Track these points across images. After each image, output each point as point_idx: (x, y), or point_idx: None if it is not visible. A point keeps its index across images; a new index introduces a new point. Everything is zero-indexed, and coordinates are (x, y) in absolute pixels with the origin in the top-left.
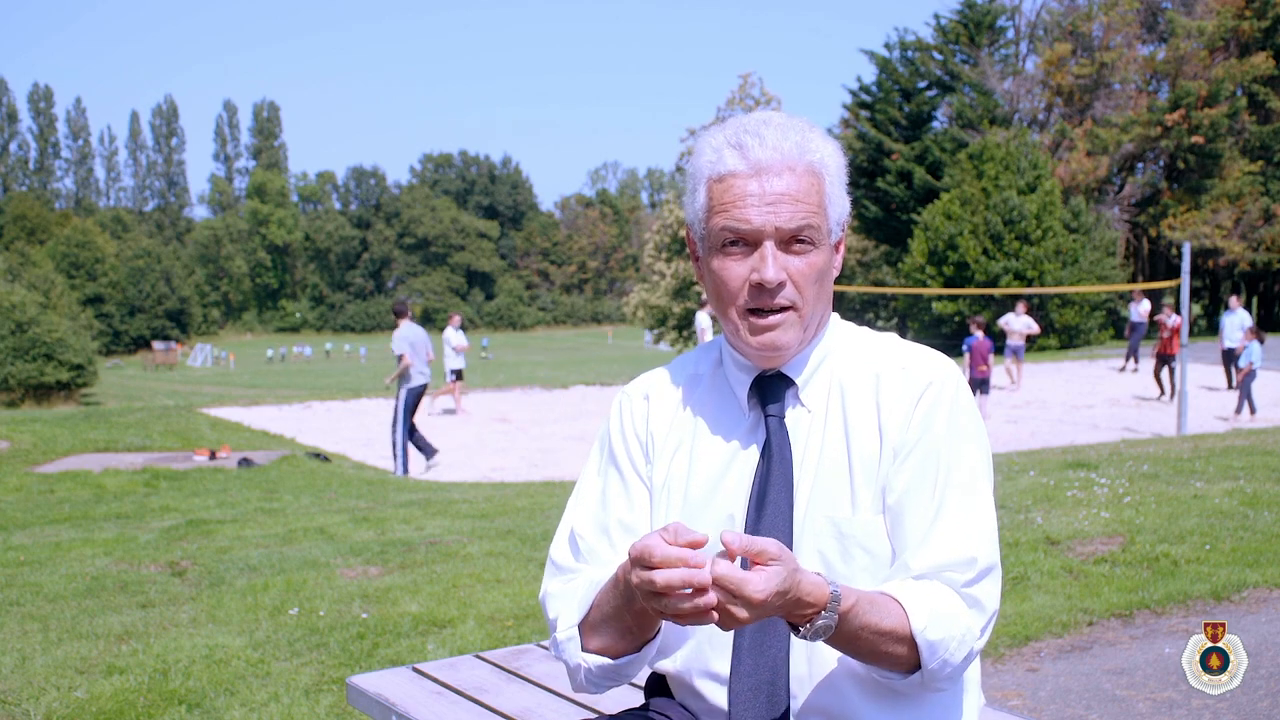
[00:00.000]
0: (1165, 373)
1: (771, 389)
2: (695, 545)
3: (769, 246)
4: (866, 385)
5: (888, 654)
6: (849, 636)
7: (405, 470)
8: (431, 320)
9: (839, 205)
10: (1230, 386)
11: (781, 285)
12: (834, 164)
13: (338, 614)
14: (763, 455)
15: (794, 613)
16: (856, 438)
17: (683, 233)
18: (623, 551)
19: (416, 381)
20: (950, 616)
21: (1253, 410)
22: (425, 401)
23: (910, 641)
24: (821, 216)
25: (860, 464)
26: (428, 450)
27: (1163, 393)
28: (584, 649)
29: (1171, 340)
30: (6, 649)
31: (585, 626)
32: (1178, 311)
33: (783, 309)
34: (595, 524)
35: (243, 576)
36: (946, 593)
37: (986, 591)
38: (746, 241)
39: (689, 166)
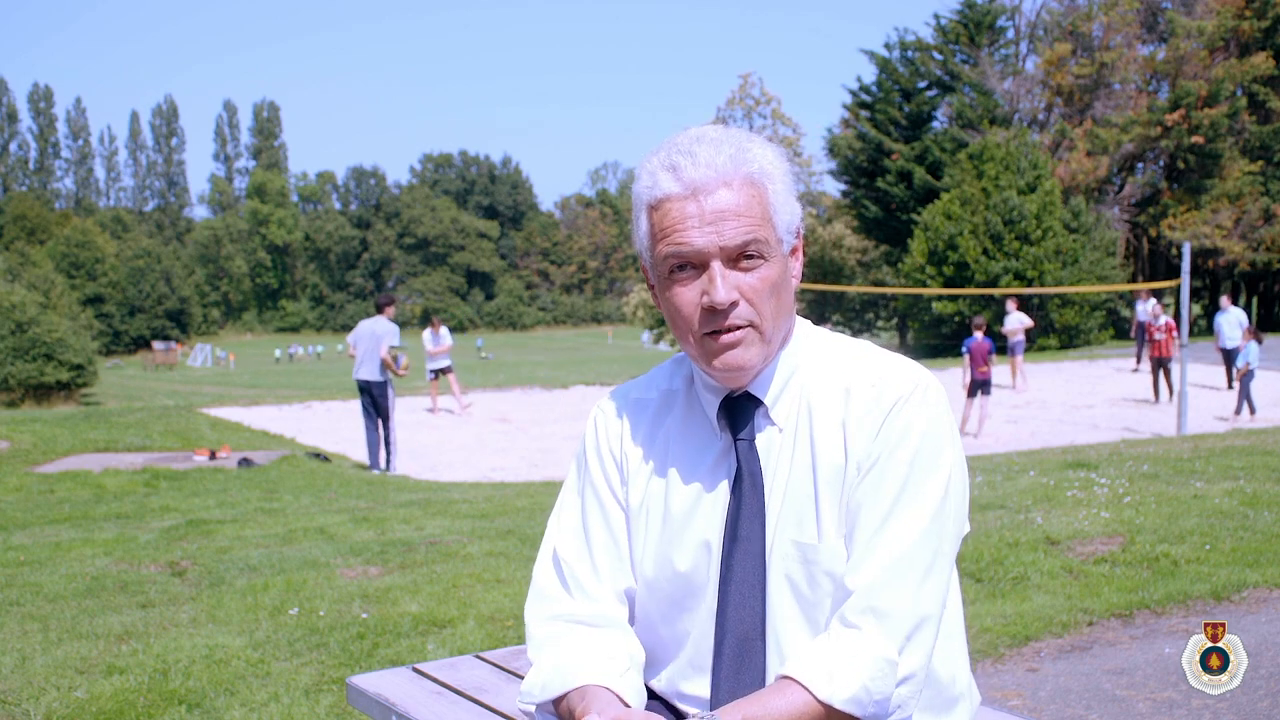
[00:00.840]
0: (1162, 375)
1: (741, 411)
2: None
3: (716, 267)
4: (835, 402)
5: None
6: None
7: (375, 465)
8: (429, 322)
9: (786, 213)
10: (1230, 386)
11: (735, 304)
12: (777, 171)
13: (338, 614)
14: (734, 482)
15: None
16: (823, 459)
17: (640, 263)
18: (607, 579)
19: (356, 375)
20: (855, 658)
21: (1252, 410)
22: (417, 402)
23: (828, 710)
24: (768, 228)
25: (826, 487)
26: (372, 457)
27: (1157, 398)
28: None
29: (1165, 342)
30: (6, 649)
31: (556, 706)
32: (1176, 316)
33: (740, 327)
34: (578, 548)
35: (243, 576)
36: (844, 634)
37: (894, 600)
38: (693, 265)
39: (632, 194)
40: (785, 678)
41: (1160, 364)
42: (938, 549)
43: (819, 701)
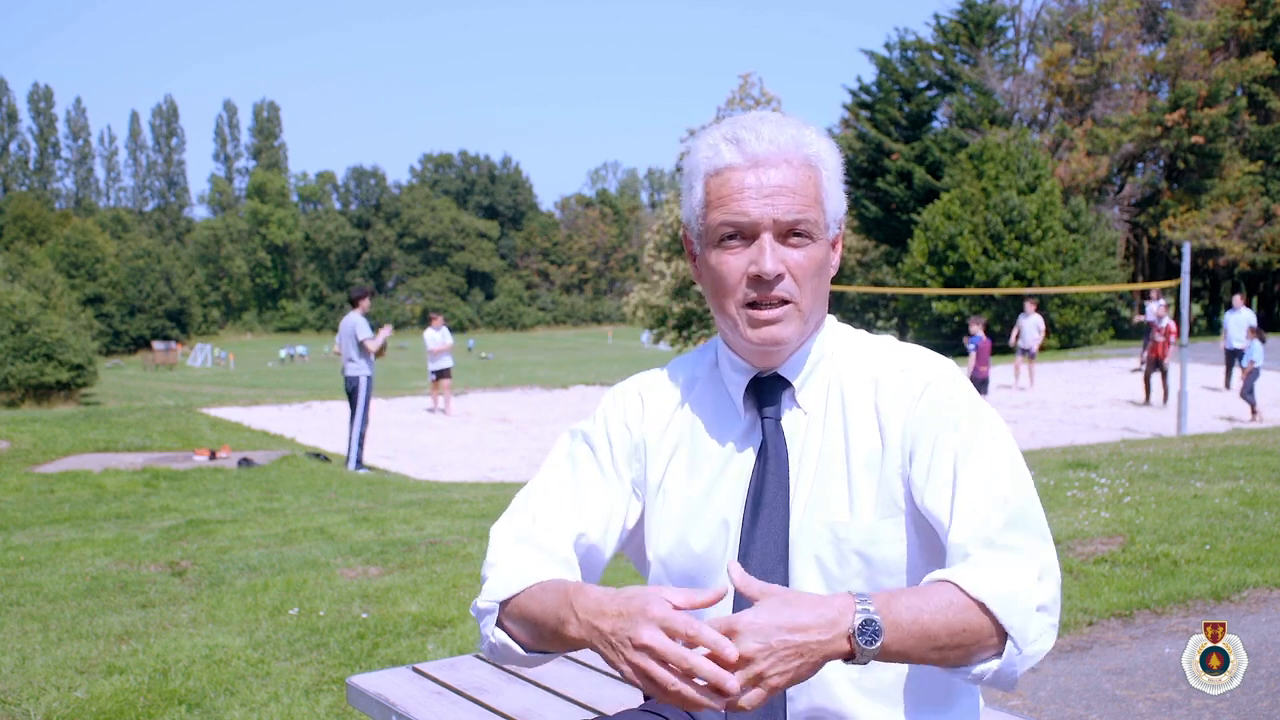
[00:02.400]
0: (1157, 377)
1: (768, 390)
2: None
3: (767, 239)
4: (865, 388)
5: (965, 630)
6: (910, 629)
7: (351, 463)
8: (428, 321)
9: (835, 201)
10: (1229, 386)
11: (780, 277)
12: (830, 160)
13: (338, 614)
14: (759, 458)
15: (830, 633)
16: (856, 441)
17: (683, 232)
18: (572, 525)
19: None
20: (1002, 569)
21: (1254, 409)
22: (412, 401)
23: (978, 606)
24: (819, 210)
25: (860, 467)
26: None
27: (1148, 399)
28: (498, 624)
29: (1163, 345)
30: (6, 649)
31: (508, 607)
32: (1176, 316)
33: (782, 302)
34: (557, 492)
35: (243, 576)
36: (988, 553)
37: (1019, 540)
38: (744, 235)
39: (686, 165)
40: (935, 580)
41: (1156, 365)
42: (1037, 502)
43: (969, 596)
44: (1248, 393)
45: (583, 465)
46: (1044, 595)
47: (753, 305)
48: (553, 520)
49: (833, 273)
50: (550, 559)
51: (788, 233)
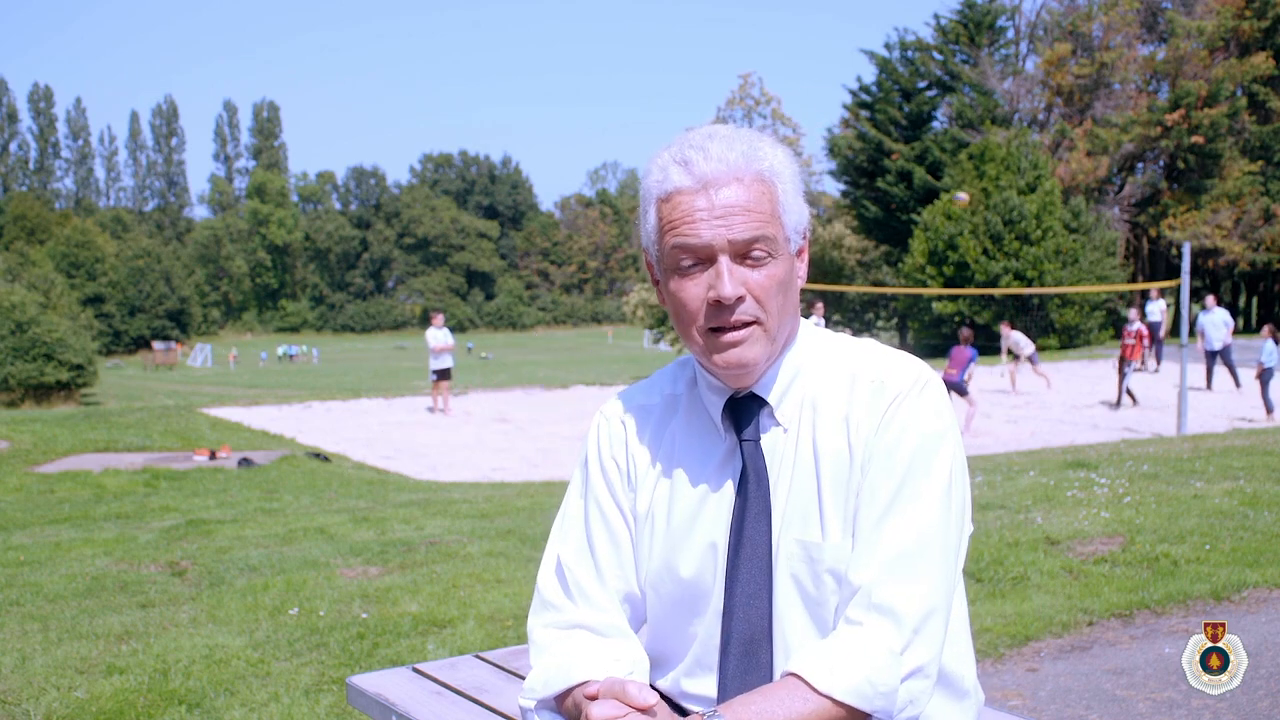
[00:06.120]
0: (1128, 379)
1: (745, 411)
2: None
3: (724, 261)
4: (838, 401)
5: None
6: None
7: None
8: (430, 321)
9: (795, 213)
10: (1210, 387)
11: (741, 300)
12: (786, 171)
13: (338, 614)
14: (739, 483)
15: None
16: (826, 458)
17: (645, 258)
18: (611, 585)
19: None
20: (856, 652)
21: (1270, 410)
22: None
23: (832, 703)
24: (776, 225)
25: (830, 485)
26: None
27: (1120, 400)
28: (548, 710)
29: (1135, 347)
30: (6, 649)
31: (559, 703)
32: (1176, 316)
33: (746, 324)
34: (581, 556)
35: (243, 576)
36: (846, 630)
37: (896, 595)
38: (700, 259)
39: (640, 188)
40: (788, 674)
41: (1123, 365)
42: (943, 542)
43: (819, 694)
44: (1265, 394)
45: (596, 520)
46: (915, 659)
47: (716, 330)
48: (591, 588)
49: (800, 284)
50: (599, 642)
51: (745, 253)
